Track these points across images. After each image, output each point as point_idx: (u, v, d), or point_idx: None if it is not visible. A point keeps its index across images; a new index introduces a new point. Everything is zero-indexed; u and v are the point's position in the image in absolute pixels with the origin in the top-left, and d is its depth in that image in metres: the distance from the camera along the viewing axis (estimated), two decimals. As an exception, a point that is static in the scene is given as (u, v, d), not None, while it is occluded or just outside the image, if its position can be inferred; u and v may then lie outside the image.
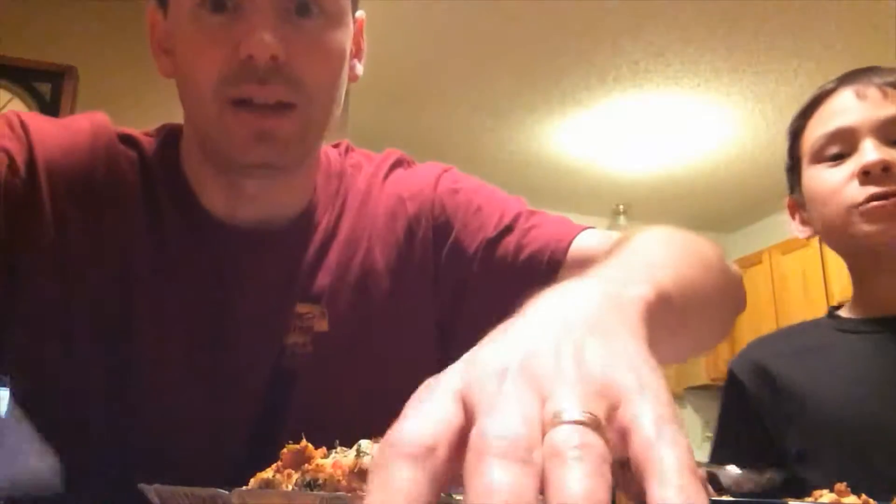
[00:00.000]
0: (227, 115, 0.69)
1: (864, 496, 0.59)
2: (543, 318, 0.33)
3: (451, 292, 0.80)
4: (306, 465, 0.45)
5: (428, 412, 0.29)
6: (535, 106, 3.91)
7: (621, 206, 5.02)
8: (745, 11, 3.08)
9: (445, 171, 0.87)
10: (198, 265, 0.75)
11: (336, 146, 0.88)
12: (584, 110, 3.94)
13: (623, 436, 0.27)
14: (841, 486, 0.61)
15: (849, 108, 1.00)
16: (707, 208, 5.12)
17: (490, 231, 0.80)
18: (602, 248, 0.73)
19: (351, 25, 0.77)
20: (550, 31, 3.25)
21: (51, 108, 2.43)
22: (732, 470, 0.67)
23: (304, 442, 0.46)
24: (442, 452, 0.27)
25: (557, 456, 0.26)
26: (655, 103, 3.85)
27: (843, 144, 1.00)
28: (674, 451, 0.26)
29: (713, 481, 0.69)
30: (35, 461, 0.74)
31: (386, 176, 0.85)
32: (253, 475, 0.46)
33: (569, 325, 0.32)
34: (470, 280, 0.79)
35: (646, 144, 4.28)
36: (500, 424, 0.27)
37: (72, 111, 2.43)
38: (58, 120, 0.79)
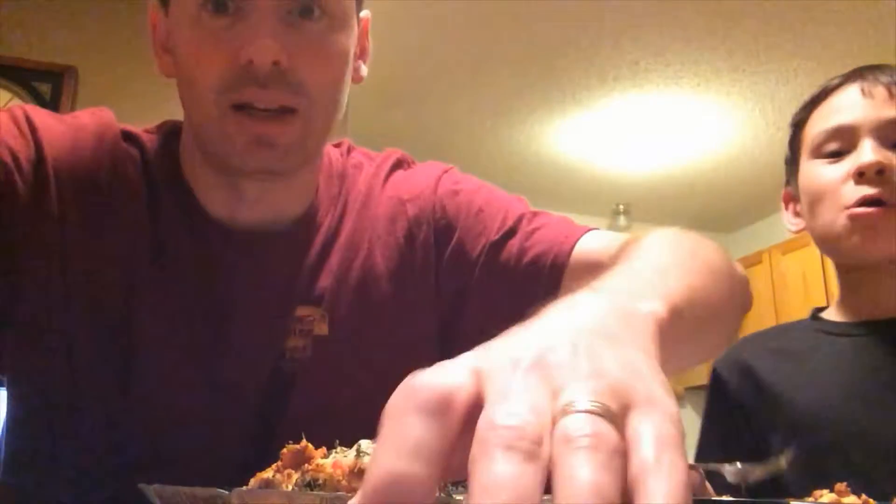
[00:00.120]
0: (227, 119, 0.68)
1: (864, 496, 0.59)
2: (556, 324, 0.33)
3: (453, 295, 0.80)
4: (306, 465, 0.45)
5: (446, 371, 0.29)
6: (535, 106, 3.90)
7: (621, 206, 5.01)
8: (745, 11, 3.08)
9: (445, 171, 0.86)
10: (198, 267, 0.74)
11: (338, 145, 0.88)
12: (584, 110, 3.94)
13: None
14: (841, 486, 0.61)
15: (852, 106, 0.99)
16: (707, 208, 5.12)
17: (493, 234, 0.79)
18: (606, 251, 0.72)
19: (355, 27, 0.76)
20: (550, 31, 3.25)
21: (51, 108, 2.43)
22: (733, 465, 0.67)
23: (304, 442, 0.46)
24: (457, 412, 0.27)
25: (568, 443, 0.25)
26: (655, 103, 3.84)
27: (842, 142, 0.99)
28: (667, 483, 0.25)
29: (716, 479, 0.69)
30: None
31: (386, 177, 0.85)
32: (253, 475, 0.46)
33: (582, 331, 0.32)
34: (473, 283, 0.79)
35: (646, 144, 4.28)
36: (508, 412, 0.26)
37: (71, 111, 2.42)
38: (63, 117, 0.78)
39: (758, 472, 0.68)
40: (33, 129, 0.72)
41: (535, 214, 0.81)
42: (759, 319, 4.29)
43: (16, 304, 0.72)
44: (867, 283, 1.00)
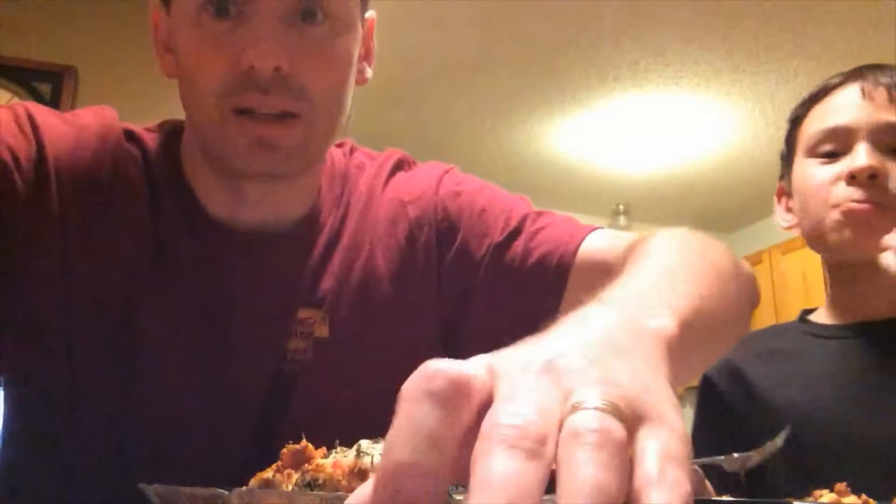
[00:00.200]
0: (228, 122, 0.68)
1: (864, 496, 0.59)
2: (567, 337, 0.33)
3: (457, 296, 0.79)
4: (306, 465, 0.45)
5: (462, 364, 0.29)
6: (535, 106, 3.90)
7: (621, 206, 5.01)
8: (745, 11, 3.08)
9: (446, 172, 0.86)
10: (199, 268, 0.74)
11: (340, 146, 0.87)
12: (584, 110, 3.93)
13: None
14: (841, 486, 0.61)
15: (851, 106, 0.98)
16: (707, 208, 5.12)
17: (496, 235, 0.78)
18: (612, 250, 0.72)
19: (359, 29, 0.75)
20: (550, 31, 3.25)
21: (51, 108, 2.43)
22: (729, 455, 0.67)
23: (304, 442, 0.46)
24: (471, 402, 0.27)
25: (574, 438, 0.25)
26: (655, 103, 3.84)
27: (838, 143, 0.98)
28: (669, 498, 0.25)
29: (716, 472, 0.68)
30: None
31: (387, 179, 0.84)
32: (253, 475, 0.46)
33: (592, 343, 0.32)
34: (477, 284, 0.78)
35: (646, 144, 4.28)
36: (513, 412, 0.26)
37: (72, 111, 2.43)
38: (66, 116, 0.77)
39: (755, 457, 0.68)
40: (35, 127, 0.72)
41: (539, 214, 0.81)
42: (759, 319, 4.27)
43: (16, 304, 0.71)
44: (858, 280, 0.99)
